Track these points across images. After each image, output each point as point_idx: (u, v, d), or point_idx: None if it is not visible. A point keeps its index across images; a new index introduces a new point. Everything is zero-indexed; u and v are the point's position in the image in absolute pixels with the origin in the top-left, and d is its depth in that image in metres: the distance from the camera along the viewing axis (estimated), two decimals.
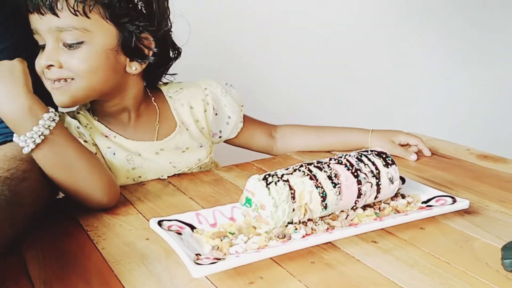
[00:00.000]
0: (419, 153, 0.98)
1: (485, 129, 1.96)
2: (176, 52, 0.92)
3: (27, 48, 0.78)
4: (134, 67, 0.85)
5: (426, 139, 1.10)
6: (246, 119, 1.03)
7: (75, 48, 0.78)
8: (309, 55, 1.62)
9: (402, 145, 1.00)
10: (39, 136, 0.68)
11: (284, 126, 1.07)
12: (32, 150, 0.69)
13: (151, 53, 0.85)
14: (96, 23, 0.78)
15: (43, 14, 0.76)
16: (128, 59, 0.84)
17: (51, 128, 0.69)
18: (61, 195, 0.78)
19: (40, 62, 0.78)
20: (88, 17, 0.77)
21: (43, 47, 0.79)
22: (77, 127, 0.84)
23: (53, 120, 0.70)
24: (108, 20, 0.79)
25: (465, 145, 1.04)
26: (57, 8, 0.75)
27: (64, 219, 0.73)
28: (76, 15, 0.76)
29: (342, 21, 1.65)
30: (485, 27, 1.92)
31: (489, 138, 1.73)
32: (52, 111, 0.70)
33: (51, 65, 0.78)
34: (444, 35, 1.85)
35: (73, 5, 0.75)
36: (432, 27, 1.83)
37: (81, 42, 0.78)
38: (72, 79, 0.79)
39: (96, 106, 0.89)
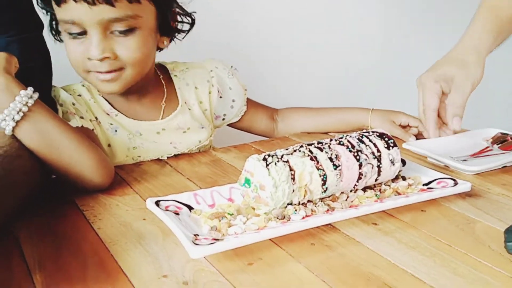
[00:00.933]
0: (419, 135, 0.97)
1: (490, 112, 1.96)
2: (192, 19, 0.93)
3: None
4: (165, 42, 0.89)
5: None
6: (249, 103, 1.03)
7: (126, 36, 0.79)
8: (314, 46, 1.59)
9: (402, 127, 0.99)
10: (18, 112, 0.66)
11: (285, 109, 1.08)
12: (14, 128, 0.67)
13: (174, 25, 0.88)
14: (144, 7, 0.79)
15: (94, 5, 0.75)
16: (159, 35, 0.86)
17: (29, 104, 0.67)
18: None
19: (93, 54, 0.77)
20: (140, 2, 0.78)
21: (75, 37, 0.78)
22: (73, 103, 0.83)
23: (31, 97, 0.68)
24: (152, 1, 0.80)
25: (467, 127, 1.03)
26: None
27: (59, 199, 0.72)
28: (131, 2, 0.77)
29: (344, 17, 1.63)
30: None
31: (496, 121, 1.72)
32: (30, 89, 0.68)
33: (106, 57, 0.78)
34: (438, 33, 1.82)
35: None
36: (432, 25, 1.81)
37: (133, 29, 0.79)
38: (123, 68, 0.81)
39: None
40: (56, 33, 0.86)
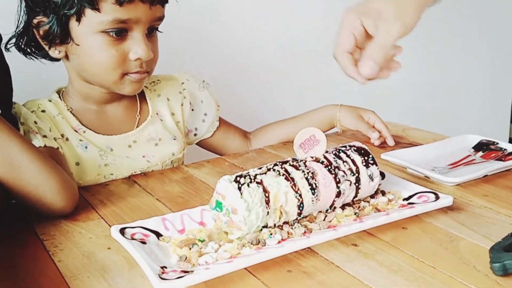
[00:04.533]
0: (383, 143, 0.97)
1: (469, 119, 1.95)
2: None
3: None
4: None
5: (404, 128, 1.07)
6: (222, 120, 1.02)
7: (152, 36, 0.84)
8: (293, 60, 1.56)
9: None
10: None
11: (258, 128, 1.06)
12: None
13: None
14: None
15: (153, 5, 0.79)
16: None
17: None
18: None
19: (144, 54, 0.79)
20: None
21: (114, 38, 0.78)
22: (35, 122, 0.79)
23: None
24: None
25: (444, 134, 1.01)
26: None
27: (19, 226, 0.67)
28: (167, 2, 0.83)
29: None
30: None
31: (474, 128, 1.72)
32: None
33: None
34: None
35: None
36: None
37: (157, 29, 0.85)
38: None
39: (87, 91, 0.86)
40: (45, 42, 0.81)
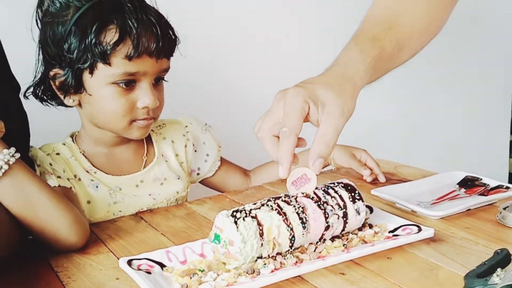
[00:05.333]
0: (375, 180, 1.03)
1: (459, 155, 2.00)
2: None
3: None
4: None
5: (396, 165, 1.13)
6: (223, 160, 1.09)
7: (158, 86, 0.91)
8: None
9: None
10: None
11: (257, 166, 1.13)
12: None
13: None
14: None
15: (160, 59, 0.86)
16: None
17: (10, 163, 0.69)
18: None
19: (151, 103, 0.86)
20: None
21: (124, 88, 0.85)
22: (50, 163, 0.86)
23: (13, 155, 0.70)
24: None
25: (443, 168, 1.06)
26: (172, 52, 0.90)
27: (34, 259, 0.73)
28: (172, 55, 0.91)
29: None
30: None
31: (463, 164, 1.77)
32: (12, 149, 0.70)
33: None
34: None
35: (174, 49, 0.91)
36: None
37: (163, 79, 0.92)
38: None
39: (98, 135, 0.93)
40: (60, 92, 0.88)
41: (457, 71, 1.99)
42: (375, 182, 1.02)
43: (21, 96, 0.86)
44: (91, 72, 0.84)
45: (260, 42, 1.55)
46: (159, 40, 0.85)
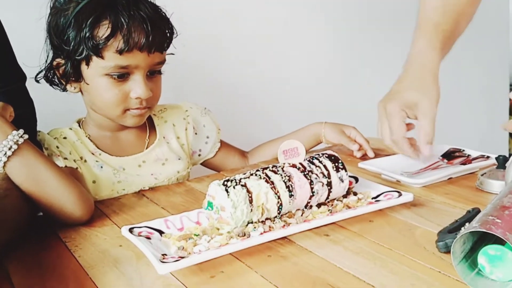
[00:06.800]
0: (364, 155, 1.09)
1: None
2: None
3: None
4: None
5: None
6: (223, 142, 1.15)
7: (154, 77, 0.95)
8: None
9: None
10: (9, 149, 0.75)
11: (254, 147, 1.19)
12: (5, 164, 0.75)
13: None
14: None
15: (151, 53, 0.90)
16: None
17: (19, 142, 0.75)
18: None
19: (142, 94, 0.91)
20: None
21: (118, 79, 0.90)
22: (57, 146, 0.92)
23: (21, 136, 0.76)
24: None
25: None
26: (165, 47, 0.94)
27: (45, 233, 0.79)
28: (165, 50, 0.94)
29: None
30: None
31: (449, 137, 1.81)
32: (21, 130, 0.77)
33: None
34: None
35: (169, 42, 0.95)
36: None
37: (160, 71, 0.96)
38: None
39: (101, 121, 0.98)
40: (63, 79, 0.95)
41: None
42: (364, 157, 1.07)
43: (27, 84, 0.92)
44: (87, 64, 0.90)
45: (258, 27, 1.61)
46: (149, 35, 0.88)
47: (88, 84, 0.92)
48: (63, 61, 0.93)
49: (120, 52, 0.88)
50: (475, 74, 2.15)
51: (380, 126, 0.96)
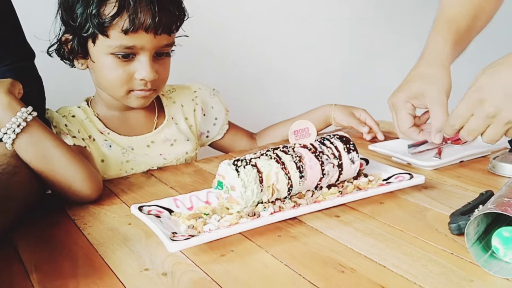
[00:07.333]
0: (374, 138, 1.08)
1: None
2: None
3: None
4: None
5: None
6: (231, 123, 1.14)
7: (162, 59, 0.93)
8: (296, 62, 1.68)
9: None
10: (18, 126, 0.74)
11: (262, 129, 1.18)
12: (13, 141, 0.74)
13: None
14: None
15: (158, 34, 0.88)
16: None
17: (28, 120, 0.75)
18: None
19: (147, 76, 0.90)
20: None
21: (123, 59, 0.89)
22: (65, 124, 0.91)
23: (30, 113, 0.75)
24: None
25: None
26: (173, 29, 0.92)
27: (54, 211, 0.79)
28: (174, 32, 0.92)
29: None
30: None
31: None
32: (30, 108, 0.76)
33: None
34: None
35: (179, 25, 0.93)
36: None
37: (168, 54, 0.95)
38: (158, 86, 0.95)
39: (109, 100, 0.97)
40: (71, 55, 0.94)
41: None
42: (374, 140, 1.06)
43: (36, 62, 0.91)
44: (94, 41, 0.89)
45: (268, 7, 1.59)
46: (155, 16, 0.87)
47: (94, 62, 0.92)
48: (70, 37, 0.92)
49: (125, 31, 0.86)
50: None
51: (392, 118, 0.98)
